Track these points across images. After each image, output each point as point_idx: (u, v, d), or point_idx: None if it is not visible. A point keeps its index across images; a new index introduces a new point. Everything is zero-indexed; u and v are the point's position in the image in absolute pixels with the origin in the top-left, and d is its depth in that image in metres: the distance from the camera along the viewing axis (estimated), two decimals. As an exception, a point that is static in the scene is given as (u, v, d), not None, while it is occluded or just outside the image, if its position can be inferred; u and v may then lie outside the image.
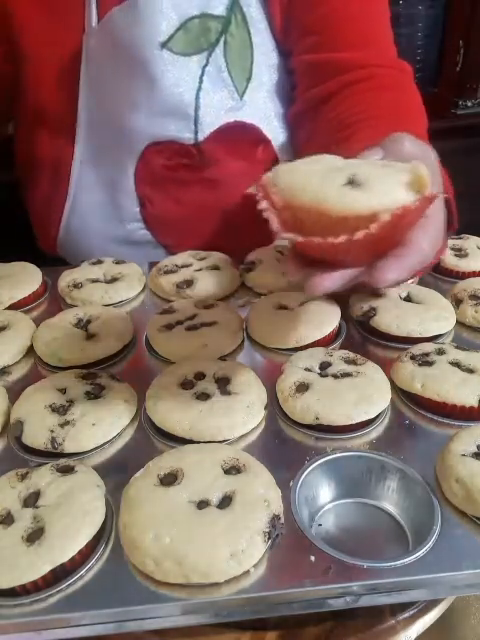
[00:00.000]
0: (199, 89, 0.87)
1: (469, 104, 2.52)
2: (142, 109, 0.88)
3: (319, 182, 0.43)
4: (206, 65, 0.87)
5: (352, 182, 0.44)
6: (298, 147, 0.95)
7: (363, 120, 0.75)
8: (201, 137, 0.90)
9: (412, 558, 0.48)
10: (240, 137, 0.93)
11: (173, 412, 0.60)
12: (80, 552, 0.48)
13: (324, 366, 0.66)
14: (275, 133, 0.94)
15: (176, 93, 0.87)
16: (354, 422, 0.60)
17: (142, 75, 0.85)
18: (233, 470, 0.53)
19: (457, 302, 0.80)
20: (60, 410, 0.61)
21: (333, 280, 0.44)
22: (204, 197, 0.95)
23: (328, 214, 0.42)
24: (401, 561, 0.47)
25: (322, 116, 0.85)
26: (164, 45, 0.84)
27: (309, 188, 0.43)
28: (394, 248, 0.45)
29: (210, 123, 0.90)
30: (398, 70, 0.87)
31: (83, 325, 0.77)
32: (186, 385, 0.64)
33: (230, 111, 0.90)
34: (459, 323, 0.77)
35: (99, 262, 0.91)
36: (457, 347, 0.68)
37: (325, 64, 0.86)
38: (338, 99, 0.83)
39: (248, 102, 0.91)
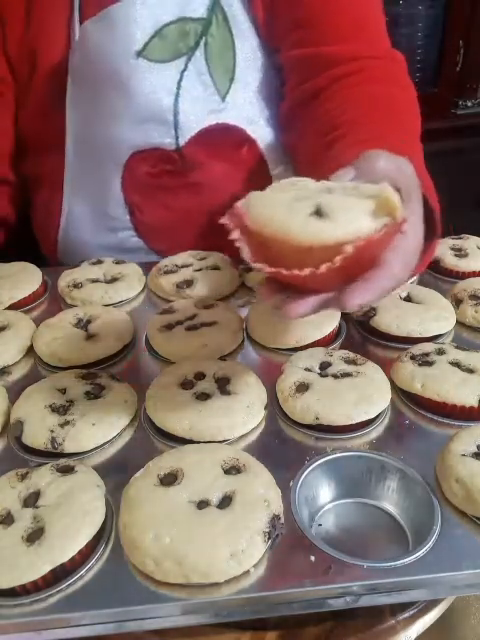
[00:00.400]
0: (177, 94, 0.88)
1: (469, 104, 2.52)
2: (123, 119, 0.88)
3: (285, 212, 0.44)
4: (185, 70, 0.87)
5: (318, 211, 0.44)
6: (289, 148, 0.94)
7: (351, 121, 0.73)
8: (182, 142, 0.90)
9: (412, 558, 0.48)
10: (223, 139, 0.92)
11: (173, 412, 0.60)
12: (80, 552, 0.48)
13: (324, 366, 0.66)
14: (261, 133, 0.94)
15: (154, 100, 0.87)
16: (354, 422, 0.60)
17: (120, 85, 0.86)
18: (233, 470, 0.53)
19: (457, 302, 0.80)
20: (60, 410, 0.61)
21: (306, 305, 0.45)
22: (191, 201, 0.95)
23: (294, 244, 0.43)
24: (401, 561, 0.47)
25: (311, 114, 0.84)
26: (139, 54, 0.84)
27: (276, 218, 0.43)
28: (367, 270, 0.45)
29: (190, 127, 0.90)
30: (390, 60, 0.85)
31: (83, 325, 0.77)
32: (186, 385, 0.64)
33: (212, 113, 0.90)
34: (459, 323, 0.77)
35: (99, 262, 0.91)
36: (457, 347, 0.68)
37: (313, 58, 0.84)
38: (327, 95, 0.81)
39: (231, 103, 0.91)
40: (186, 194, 0.95)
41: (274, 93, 0.93)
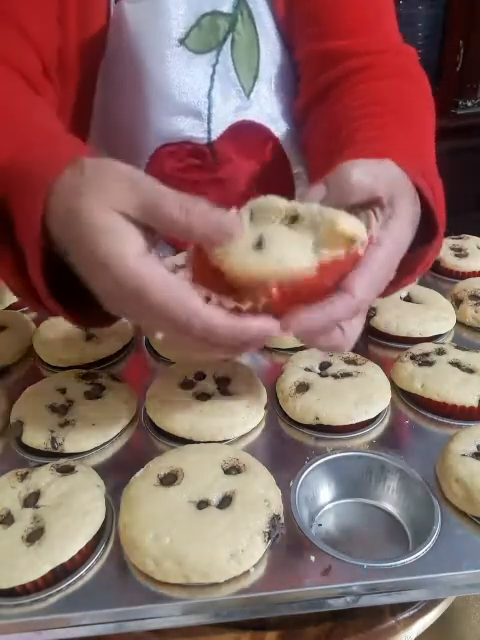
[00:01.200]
0: (211, 88, 0.87)
1: (469, 104, 2.52)
2: (155, 108, 0.86)
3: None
4: (216, 63, 0.86)
5: (259, 243, 0.43)
6: (303, 146, 0.94)
7: (358, 119, 0.71)
8: (214, 136, 0.89)
9: (412, 558, 0.48)
10: (249, 136, 0.92)
11: (173, 412, 0.60)
12: (80, 552, 0.47)
13: (324, 366, 0.66)
14: (283, 131, 0.94)
15: (190, 91, 0.86)
16: (354, 422, 0.60)
17: (157, 72, 0.84)
18: (233, 470, 0.53)
19: (457, 302, 0.80)
20: (60, 410, 0.61)
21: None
22: (213, 196, 0.94)
23: (230, 275, 0.43)
24: (401, 561, 0.47)
25: (320, 112, 0.83)
26: (182, 42, 0.83)
27: (221, 247, 0.43)
28: (323, 297, 0.44)
29: (221, 122, 0.89)
30: (402, 54, 0.83)
31: (83, 325, 0.77)
32: (186, 385, 0.64)
33: (238, 111, 0.90)
34: (459, 323, 0.77)
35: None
36: (457, 347, 0.68)
37: (325, 53, 0.83)
38: (336, 92, 0.80)
39: (254, 101, 0.90)
40: (210, 189, 0.93)
41: (293, 92, 0.93)
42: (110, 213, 0.42)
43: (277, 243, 0.44)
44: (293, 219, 0.46)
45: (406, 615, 0.50)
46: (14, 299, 0.84)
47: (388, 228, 0.48)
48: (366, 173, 0.49)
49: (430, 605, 0.51)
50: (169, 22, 0.81)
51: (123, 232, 0.43)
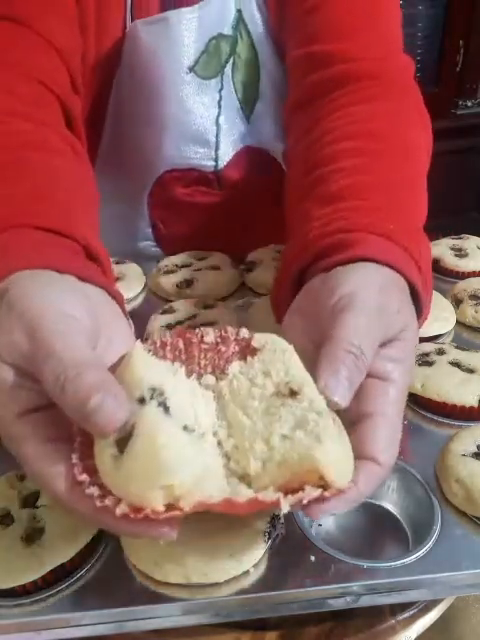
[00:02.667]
0: (219, 114, 0.86)
1: (469, 104, 2.53)
2: (163, 134, 0.85)
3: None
4: (222, 89, 0.85)
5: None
6: (286, 162, 0.88)
7: (341, 156, 0.61)
8: (221, 165, 0.89)
9: (412, 558, 0.48)
10: (252, 161, 0.92)
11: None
12: (80, 552, 0.47)
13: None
14: (280, 152, 0.92)
15: (200, 119, 0.85)
16: (354, 422, 0.60)
17: (167, 99, 0.83)
18: (233, 470, 0.52)
19: (457, 302, 0.80)
20: (60, 410, 0.61)
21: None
22: (218, 218, 0.94)
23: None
24: (401, 561, 0.47)
25: (294, 129, 0.75)
26: (191, 69, 0.81)
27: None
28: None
29: (228, 149, 0.89)
30: (396, 66, 0.74)
31: (83, 325, 0.77)
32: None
33: (241, 136, 0.89)
34: (459, 323, 0.77)
35: (99, 262, 0.91)
36: (457, 347, 0.68)
37: (311, 56, 0.73)
38: (321, 113, 0.69)
39: (254, 124, 0.89)
40: (215, 212, 0.94)
41: None
42: (0, 364, 0.38)
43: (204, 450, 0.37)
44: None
45: (406, 615, 0.50)
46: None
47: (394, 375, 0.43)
48: (355, 284, 0.44)
49: (430, 605, 0.51)
50: (181, 48, 0.80)
51: (7, 388, 0.38)
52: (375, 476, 0.39)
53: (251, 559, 0.47)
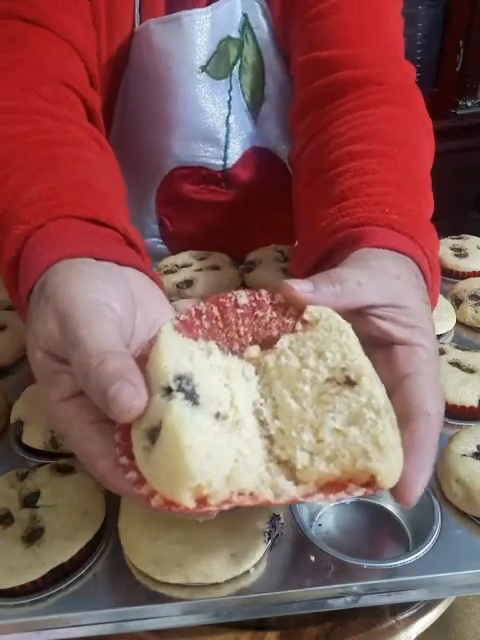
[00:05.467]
0: (229, 114, 0.87)
1: (469, 104, 2.53)
2: (174, 132, 0.86)
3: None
4: (231, 89, 0.86)
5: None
6: (291, 164, 0.86)
7: (346, 159, 0.62)
8: (229, 164, 0.90)
9: (412, 558, 0.48)
10: (259, 161, 0.93)
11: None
12: (80, 552, 0.47)
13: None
14: (286, 154, 0.93)
15: (211, 118, 0.86)
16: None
17: (178, 98, 0.83)
18: (233, 470, 0.52)
19: (457, 302, 0.80)
20: (60, 410, 0.61)
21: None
22: (224, 217, 0.95)
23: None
24: (401, 561, 0.47)
25: (300, 134, 0.76)
26: (204, 68, 0.82)
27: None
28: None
29: (237, 149, 0.90)
30: (400, 71, 0.75)
31: (83, 325, 0.77)
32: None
33: (249, 137, 0.90)
34: (459, 323, 0.77)
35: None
36: (457, 347, 0.68)
37: (317, 62, 0.76)
38: (329, 118, 0.70)
39: (261, 126, 0.91)
40: (221, 211, 0.94)
41: None
42: (38, 352, 0.41)
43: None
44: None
45: (406, 615, 0.50)
46: (14, 299, 0.84)
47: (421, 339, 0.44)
48: (376, 275, 0.45)
49: (430, 605, 0.51)
50: (194, 48, 0.81)
51: (48, 375, 0.41)
52: (433, 428, 0.40)
53: (251, 559, 0.47)
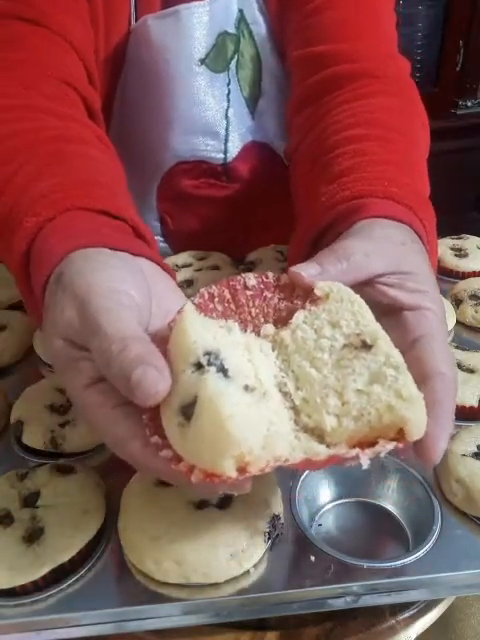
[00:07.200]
0: (228, 107, 0.87)
1: (469, 104, 2.53)
2: (173, 127, 0.86)
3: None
4: (229, 83, 0.86)
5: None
6: (288, 157, 0.86)
7: (345, 142, 0.63)
8: (229, 158, 0.90)
9: (412, 558, 0.48)
10: (258, 156, 0.93)
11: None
12: (80, 552, 0.47)
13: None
14: (283, 148, 0.94)
15: (210, 111, 0.86)
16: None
17: (177, 91, 0.83)
18: (233, 470, 0.52)
19: (457, 302, 0.80)
20: (60, 410, 0.61)
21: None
22: (224, 213, 0.95)
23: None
24: (401, 561, 0.47)
25: (309, 129, 0.75)
26: (203, 61, 0.82)
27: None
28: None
29: (236, 142, 0.90)
30: (396, 66, 0.76)
31: (83, 325, 0.77)
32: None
33: (248, 131, 0.91)
34: (459, 323, 0.77)
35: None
36: (457, 347, 0.68)
37: (314, 57, 0.77)
38: (326, 108, 0.72)
39: (259, 122, 0.91)
40: (222, 206, 0.94)
41: None
42: (58, 340, 0.41)
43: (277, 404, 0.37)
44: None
45: (406, 615, 0.50)
46: (14, 299, 0.84)
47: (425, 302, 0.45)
48: (382, 246, 0.46)
49: (430, 605, 0.51)
50: (192, 41, 0.81)
51: (68, 362, 0.41)
52: (450, 388, 0.41)
53: (251, 559, 0.47)
